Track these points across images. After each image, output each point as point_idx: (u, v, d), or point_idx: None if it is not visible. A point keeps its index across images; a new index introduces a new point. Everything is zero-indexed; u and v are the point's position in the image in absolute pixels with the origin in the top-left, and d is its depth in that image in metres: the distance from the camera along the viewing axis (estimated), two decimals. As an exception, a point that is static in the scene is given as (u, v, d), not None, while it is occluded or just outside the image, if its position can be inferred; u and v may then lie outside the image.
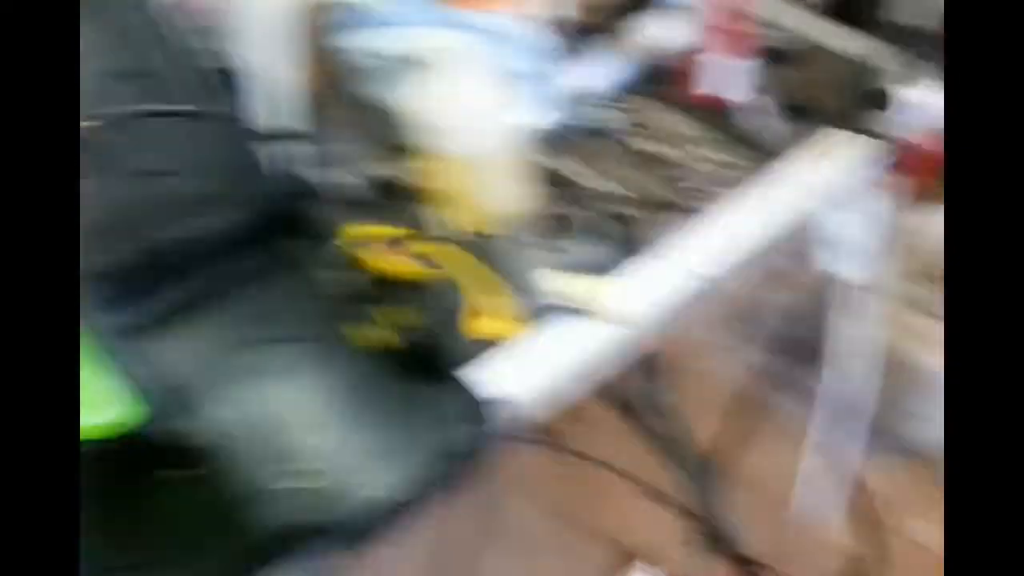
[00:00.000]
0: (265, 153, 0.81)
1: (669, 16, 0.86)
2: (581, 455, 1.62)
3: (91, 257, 0.69)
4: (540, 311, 0.69)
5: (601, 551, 1.48)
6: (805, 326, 1.78)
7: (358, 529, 0.58)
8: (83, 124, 0.49)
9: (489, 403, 0.61)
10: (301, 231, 0.81)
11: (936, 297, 1.35)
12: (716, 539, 1.47)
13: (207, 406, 0.67)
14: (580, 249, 0.73)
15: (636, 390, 1.61)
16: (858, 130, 0.84)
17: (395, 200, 0.84)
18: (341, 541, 0.57)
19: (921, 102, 0.89)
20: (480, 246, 0.75)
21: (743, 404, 1.67)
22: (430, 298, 0.70)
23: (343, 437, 0.64)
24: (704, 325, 1.85)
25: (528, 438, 1.68)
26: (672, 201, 0.76)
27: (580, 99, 0.83)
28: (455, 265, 0.70)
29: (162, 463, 0.63)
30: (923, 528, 1.45)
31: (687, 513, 1.42)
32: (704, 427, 1.64)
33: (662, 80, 0.91)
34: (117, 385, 0.60)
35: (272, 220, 0.81)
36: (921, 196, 2.07)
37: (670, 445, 1.53)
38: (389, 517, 0.59)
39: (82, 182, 0.68)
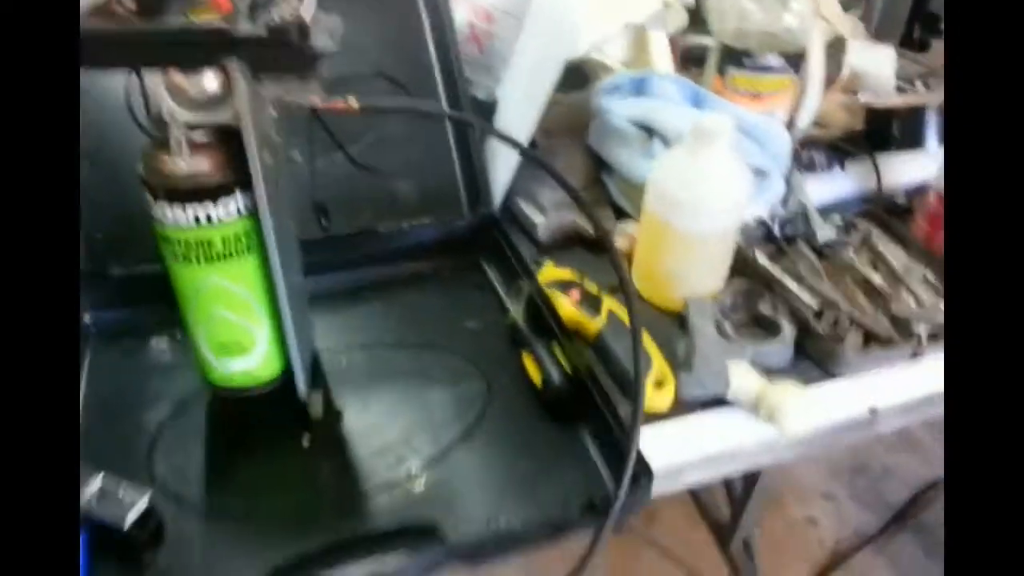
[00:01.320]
0: (475, 177, 0.85)
1: (916, 155, 0.85)
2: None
3: (301, 224, 0.76)
4: (709, 398, 0.68)
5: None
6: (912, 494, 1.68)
7: (470, 550, 0.57)
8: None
9: (647, 470, 0.60)
10: (494, 255, 0.85)
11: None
12: None
13: (343, 386, 0.69)
14: (769, 351, 0.71)
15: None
16: None
17: (590, 251, 0.86)
18: (449, 556, 0.56)
19: None
20: (662, 317, 0.75)
21: (831, 557, 1.57)
22: (605, 352, 0.70)
23: (468, 452, 0.64)
24: (816, 471, 1.77)
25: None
26: (884, 336, 0.73)
27: (810, 209, 0.82)
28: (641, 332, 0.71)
29: (290, 428, 0.66)
30: None
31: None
32: (784, 571, 1.55)
33: (897, 213, 0.90)
34: (279, 345, 0.64)
35: (467, 236, 0.85)
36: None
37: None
38: (504, 546, 0.58)
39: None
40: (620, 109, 0.79)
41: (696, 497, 1.61)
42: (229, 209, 0.56)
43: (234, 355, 0.63)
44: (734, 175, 0.70)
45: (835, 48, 1.01)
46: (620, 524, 0.59)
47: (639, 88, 0.82)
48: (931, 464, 1.76)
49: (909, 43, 3.69)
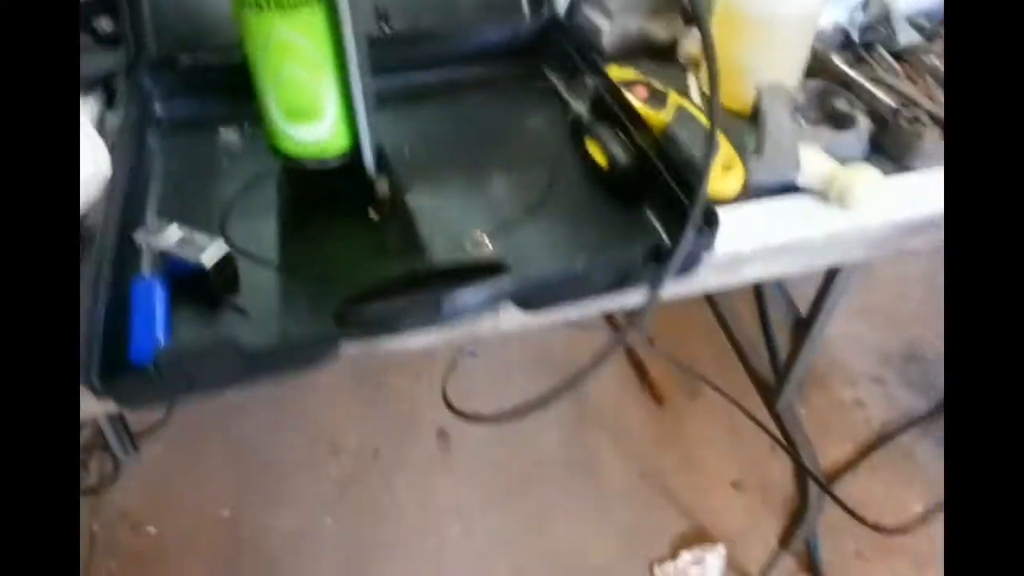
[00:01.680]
0: None
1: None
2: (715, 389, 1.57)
3: (365, 23, 0.75)
4: (780, 185, 0.67)
5: (675, 519, 1.45)
6: None
7: (534, 290, 0.57)
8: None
9: (716, 217, 0.59)
10: (558, 61, 0.83)
11: None
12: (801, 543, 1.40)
13: (408, 174, 0.70)
14: (842, 141, 0.69)
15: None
16: None
17: (658, 59, 0.83)
18: (517, 296, 0.57)
19: None
20: (734, 117, 0.73)
21: (875, 436, 1.57)
22: (675, 138, 0.69)
23: (532, 226, 0.65)
24: (864, 353, 1.75)
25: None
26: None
27: (891, 12, 0.78)
28: (697, 124, 0.70)
29: (359, 200, 0.67)
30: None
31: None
32: (825, 446, 1.56)
33: None
34: (347, 119, 0.64)
35: (530, 42, 0.83)
36: None
37: (792, 449, 1.45)
38: (569, 289, 0.59)
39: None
40: None
41: (745, 361, 1.60)
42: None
43: (304, 120, 0.64)
44: None
45: None
46: (687, 267, 0.59)
47: None
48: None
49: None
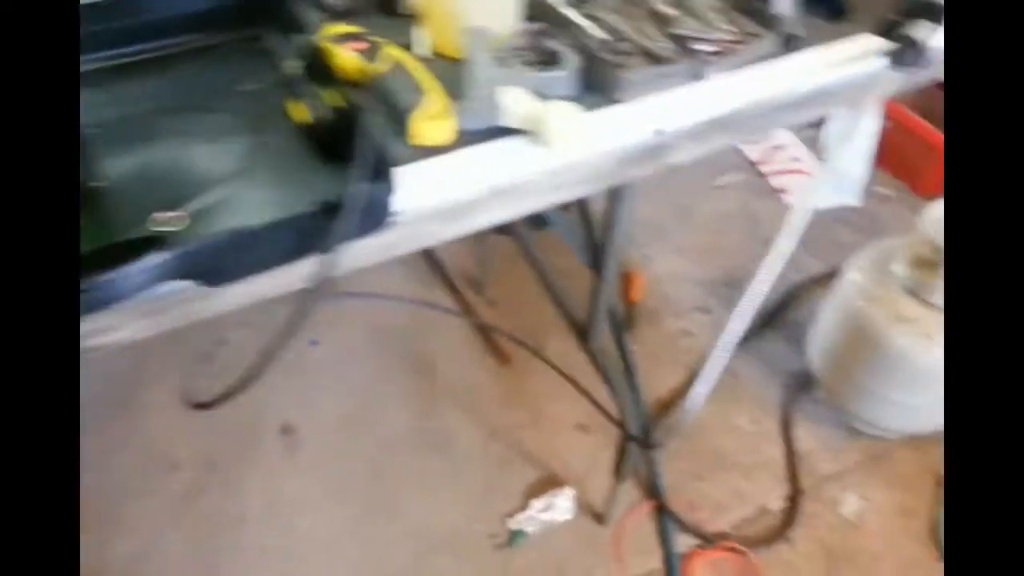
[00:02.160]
0: None
1: None
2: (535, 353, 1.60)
3: None
4: (489, 129, 0.67)
5: (526, 470, 1.49)
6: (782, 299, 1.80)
7: (200, 259, 0.54)
8: None
9: (388, 170, 0.58)
10: (279, 22, 0.79)
11: (928, 284, 1.33)
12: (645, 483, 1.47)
13: (107, 152, 0.65)
14: (551, 79, 0.70)
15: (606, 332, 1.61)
16: (891, 44, 0.79)
17: (386, 13, 0.81)
18: (185, 270, 0.54)
19: None
20: (453, 64, 0.73)
21: (703, 361, 1.67)
22: (383, 90, 0.68)
23: (227, 192, 0.62)
24: (689, 287, 1.85)
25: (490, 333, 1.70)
26: (665, 57, 0.72)
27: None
28: (419, 73, 0.69)
29: None
30: (848, 498, 1.45)
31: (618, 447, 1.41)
32: (660, 377, 1.65)
33: None
34: None
35: (250, 5, 0.79)
36: (921, 191, 2.01)
37: (619, 383, 1.51)
38: (236, 252, 0.55)
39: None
40: None
41: (570, 313, 1.65)
42: None
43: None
44: None
45: None
46: (373, 224, 0.57)
47: None
48: (799, 271, 1.86)
49: None
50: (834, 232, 1.96)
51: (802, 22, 0.81)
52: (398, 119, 0.65)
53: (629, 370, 1.61)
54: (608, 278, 1.22)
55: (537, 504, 1.42)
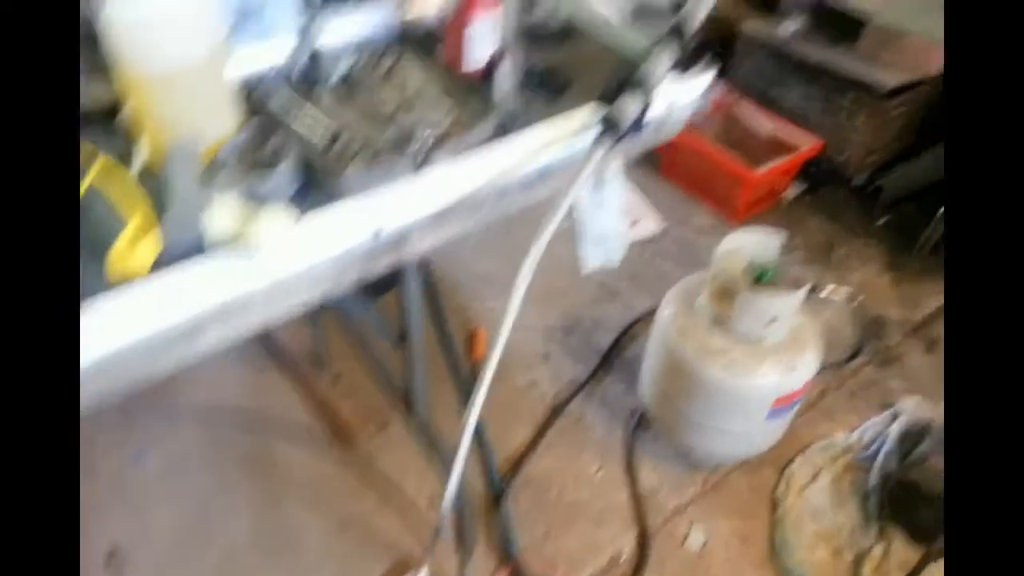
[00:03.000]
0: None
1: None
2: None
3: None
4: (197, 244, 0.65)
5: (381, 557, 1.45)
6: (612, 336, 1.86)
7: None
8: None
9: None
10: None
11: (728, 315, 1.40)
12: (499, 542, 1.46)
13: None
14: (267, 185, 0.68)
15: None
16: (608, 110, 0.83)
17: (101, 123, 0.78)
18: None
19: (682, 98, 0.91)
20: (156, 173, 0.70)
21: (550, 412, 1.70)
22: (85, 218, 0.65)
23: None
24: (532, 335, 1.88)
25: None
26: (388, 150, 0.73)
27: (337, 45, 0.80)
28: (117, 189, 0.66)
29: None
30: (693, 532, 1.50)
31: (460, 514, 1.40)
32: (511, 434, 1.65)
33: (419, 41, 0.90)
34: None
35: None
36: (734, 218, 2.15)
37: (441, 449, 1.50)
38: None
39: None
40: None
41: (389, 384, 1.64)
42: None
43: None
44: (178, 4, 0.64)
45: None
46: None
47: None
48: (631, 309, 1.93)
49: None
50: (659, 267, 2.06)
51: (524, 101, 0.84)
52: (94, 248, 0.62)
53: (478, 432, 1.61)
54: (416, 351, 1.21)
55: (390, 592, 1.38)
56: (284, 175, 0.70)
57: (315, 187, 0.72)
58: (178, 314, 0.62)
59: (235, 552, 1.45)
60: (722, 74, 2.30)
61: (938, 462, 1.49)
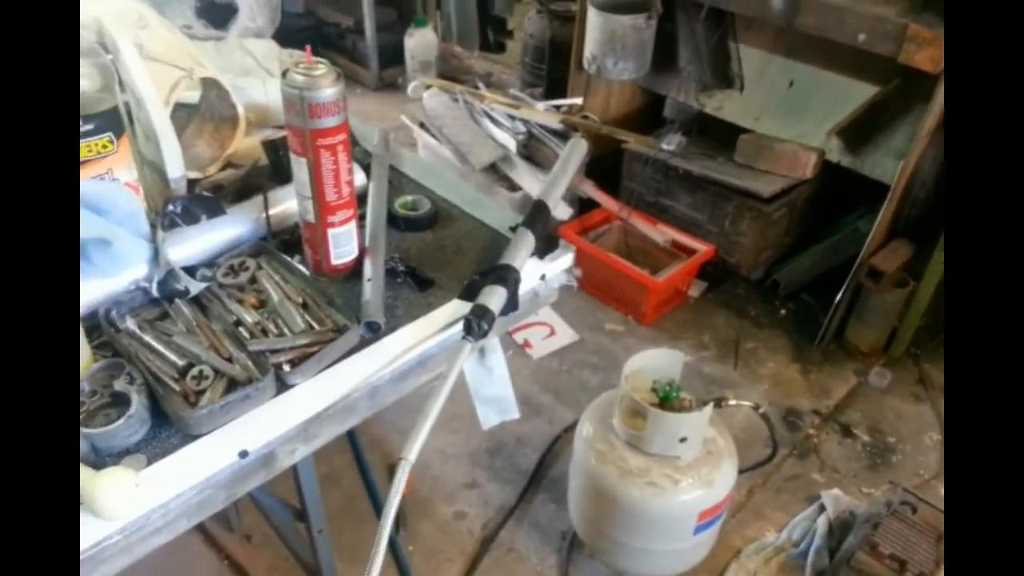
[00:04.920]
0: None
1: (289, 191, 0.86)
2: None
3: None
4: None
5: None
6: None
7: None
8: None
9: None
10: None
11: (640, 434, 1.42)
12: None
13: None
14: (115, 431, 0.66)
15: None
16: (475, 309, 0.84)
17: None
18: None
19: (549, 275, 0.96)
20: None
21: (481, 543, 1.64)
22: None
23: None
24: (456, 463, 1.84)
25: None
26: (248, 374, 0.72)
27: (189, 258, 0.80)
28: None
29: None
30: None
31: None
32: (443, 571, 1.59)
33: (284, 242, 0.91)
34: None
35: None
36: (644, 320, 2.20)
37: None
38: None
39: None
40: None
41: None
42: None
43: None
44: None
45: (212, 87, 1.00)
46: None
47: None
48: (554, 423, 1.93)
49: (487, 47, 4.06)
50: (578, 376, 2.09)
51: (394, 296, 0.86)
52: None
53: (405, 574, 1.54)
54: (318, 536, 1.15)
55: None
56: (130, 423, 0.67)
57: (167, 424, 0.70)
58: None
59: None
60: (612, 188, 2.45)
61: (865, 558, 1.52)
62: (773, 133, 2.24)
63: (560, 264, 0.96)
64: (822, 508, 1.74)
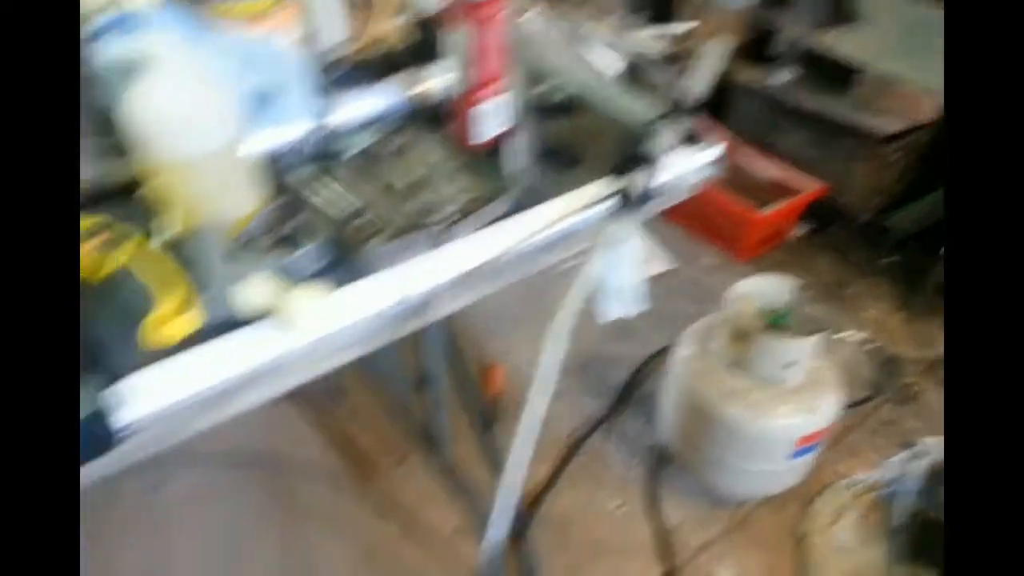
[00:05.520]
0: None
1: (442, 63, 0.89)
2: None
3: None
4: (231, 319, 0.68)
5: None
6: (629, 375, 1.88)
7: None
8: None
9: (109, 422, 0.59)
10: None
11: (745, 357, 1.42)
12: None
13: None
14: (296, 262, 0.72)
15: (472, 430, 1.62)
16: (620, 184, 0.87)
17: (119, 199, 0.82)
18: None
19: (688, 165, 0.96)
20: (184, 250, 0.74)
21: (567, 448, 1.71)
22: (116, 295, 0.68)
23: None
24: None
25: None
26: (408, 226, 0.77)
27: (350, 123, 0.84)
28: (152, 267, 0.69)
29: None
30: (720, 569, 1.49)
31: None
32: (529, 471, 1.66)
33: (429, 117, 0.94)
34: None
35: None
36: (742, 257, 2.18)
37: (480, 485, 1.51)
38: None
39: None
40: (101, 50, 0.75)
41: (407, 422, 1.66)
42: None
43: None
44: (207, 94, 0.69)
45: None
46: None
47: (128, 26, 0.77)
48: (646, 345, 1.95)
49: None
50: (671, 304, 2.09)
51: (536, 175, 0.88)
52: (130, 321, 0.65)
53: (497, 468, 1.62)
54: (440, 397, 1.23)
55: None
56: (311, 252, 0.73)
57: (339, 262, 0.75)
58: (213, 382, 0.65)
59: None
60: (719, 121, 2.37)
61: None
62: (893, 73, 2.11)
63: (706, 156, 0.96)
64: (918, 454, 1.71)
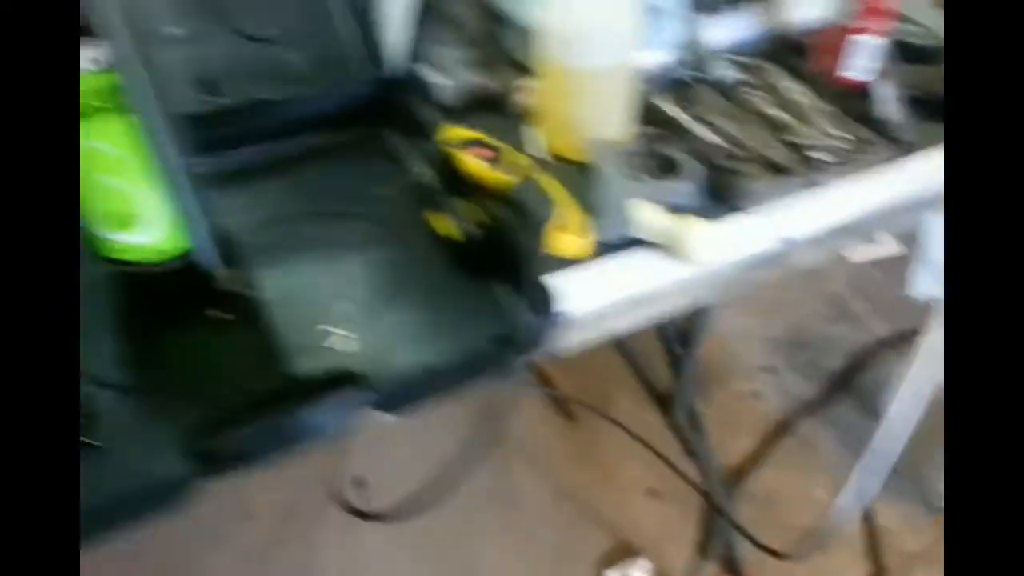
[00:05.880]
0: (371, 42, 0.82)
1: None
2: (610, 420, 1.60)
3: (185, 99, 0.73)
4: (622, 240, 0.69)
5: (598, 536, 1.48)
6: (853, 361, 1.77)
7: (391, 394, 0.58)
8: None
9: (551, 300, 0.61)
10: (397, 122, 0.82)
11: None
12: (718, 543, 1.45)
13: (257, 261, 0.68)
14: (675, 190, 0.71)
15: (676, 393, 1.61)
16: None
17: (497, 112, 0.84)
18: (376, 403, 0.58)
19: None
20: (574, 168, 0.75)
21: (775, 427, 1.65)
22: (519, 204, 0.70)
23: (388, 311, 0.64)
24: (755, 345, 1.83)
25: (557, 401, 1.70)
26: (786, 164, 0.74)
27: (710, 51, 0.82)
28: (546, 182, 0.71)
29: (201, 301, 0.64)
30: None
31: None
32: (731, 443, 1.63)
33: (795, 50, 0.89)
34: (174, 217, 0.61)
35: (368, 105, 0.82)
36: None
37: (693, 446, 1.50)
38: (426, 388, 0.60)
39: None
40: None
41: (642, 375, 1.66)
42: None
43: (125, 228, 0.61)
44: (619, 7, 0.68)
45: None
46: (535, 357, 0.60)
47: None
48: (865, 332, 1.83)
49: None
50: (900, 292, 1.93)
51: (905, 123, 0.82)
52: (534, 232, 0.68)
53: (701, 435, 1.60)
54: (694, 356, 1.22)
55: (612, 575, 1.40)
56: (692, 183, 0.72)
57: (714, 195, 0.73)
58: (611, 295, 0.66)
59: (468, 498, 1.53)
60: None
61: None
62: None
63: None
64: None
